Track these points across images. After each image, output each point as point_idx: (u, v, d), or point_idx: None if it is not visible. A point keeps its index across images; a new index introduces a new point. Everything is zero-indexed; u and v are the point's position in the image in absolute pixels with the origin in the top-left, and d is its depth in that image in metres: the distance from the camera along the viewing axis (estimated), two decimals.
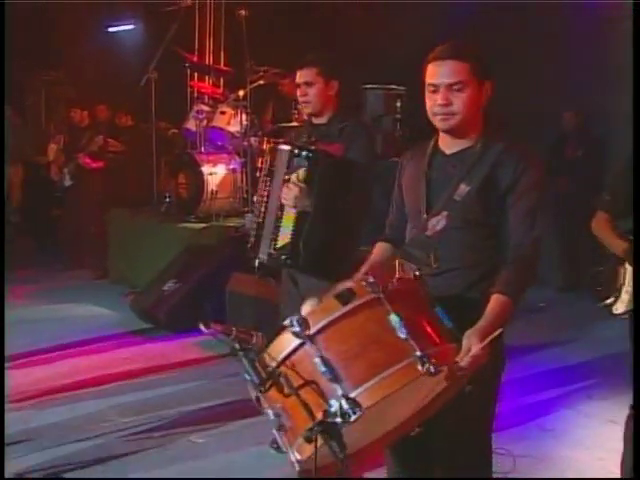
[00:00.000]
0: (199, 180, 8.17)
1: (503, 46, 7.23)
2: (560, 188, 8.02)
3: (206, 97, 9.15)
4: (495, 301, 2.71)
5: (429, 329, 2.51)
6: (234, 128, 8.49)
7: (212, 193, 8.15)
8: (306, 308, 2.55)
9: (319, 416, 2.31)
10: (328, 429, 2.29)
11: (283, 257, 3.98)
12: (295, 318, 2.37)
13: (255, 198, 4.35)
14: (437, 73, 2.80)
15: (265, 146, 8.04)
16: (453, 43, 2.85)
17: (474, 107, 2.84)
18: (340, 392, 2.31)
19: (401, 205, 3.15)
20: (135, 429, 4.87)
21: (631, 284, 3.65)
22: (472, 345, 2.52)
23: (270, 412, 2.42)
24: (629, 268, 3.67)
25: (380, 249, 3.18)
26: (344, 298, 2.43)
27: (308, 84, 4.11)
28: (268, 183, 4.13)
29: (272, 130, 8.35)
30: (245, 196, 8.19)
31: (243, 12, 8.48)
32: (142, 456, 4.53)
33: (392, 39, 9.22)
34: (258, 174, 7.80)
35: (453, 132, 2.90)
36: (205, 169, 8.16)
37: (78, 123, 9.60)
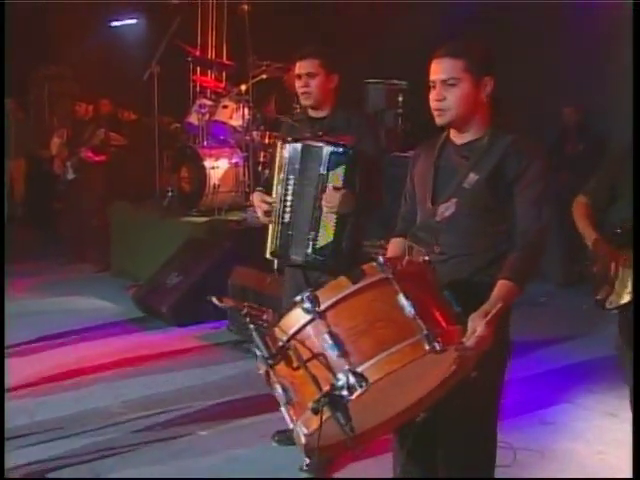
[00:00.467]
0: (201, 174, 8.18)
1: (503, 42, 7.23)
2: (561, 183, 8.03)
3: (208, 91, 9.16)
4: (501, 286, 2.80)
5: (436, 310, 2.58)
6: (236, 122, 8.50)
7: (214, 187, 8.17)
8: None
9: (326, 389, 2.37)
10: (335, 401, 2.35)
11: (323, 258, 3.93)
12: (306, 295, 2.45)
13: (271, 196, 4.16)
14: (435, 70, 2.94)
15: (267, 140, 8.08)
16: (452, 42, 2.98)
17: (470, 102, 2.93)
18: (347, 366, 2.37)
19: (413, 197, 3.20)
20: (138, 423, 4.88)
21: (624, 277, 3.64)
22: (476, 325, 2.60)
23: (278, 387, 2.48)
24: (620, 261, 3.65)
25: (395, 245, 3.23)
26: (355, 277, 2.51)
27: (310, 75, 4.09)
28: (291, 182, 4.04)
29: (274, 123, 8.35)
30: (247, 190, 8.19)
31: (245, 6, 8.49)
32: (145, 451, 4.54)
33: (394, 33, 9.22)
34: (261, 169, 7.90)
35: (453, 126, 3.00)
36: (207, 163, 8.18)
37: (81, 117, 9.61)
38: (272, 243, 4.14)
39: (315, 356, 2.41)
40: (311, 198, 3.97)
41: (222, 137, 8.73)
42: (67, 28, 12.17)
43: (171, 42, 8.72)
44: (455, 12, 8.41)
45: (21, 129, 11.49)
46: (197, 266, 7.25)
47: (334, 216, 3.92)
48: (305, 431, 2.44)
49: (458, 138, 3.04)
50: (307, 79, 4.10)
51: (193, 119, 8.79)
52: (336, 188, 3.87)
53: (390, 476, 3.40)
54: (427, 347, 2.39)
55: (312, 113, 4.22)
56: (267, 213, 4.14)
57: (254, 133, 8.28)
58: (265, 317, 2.56)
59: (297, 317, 2.48)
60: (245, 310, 2.54)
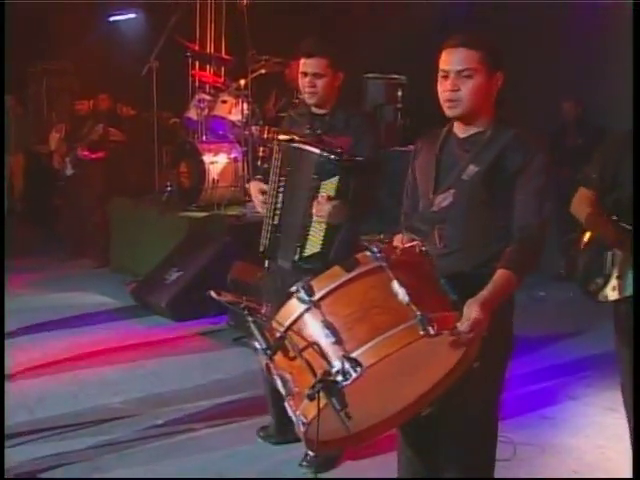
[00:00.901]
0: (200, 169, 8.18)
1: (503, 36, 7.20)
2: (561, 178, 8.02)
3: (207, 86, 9.14)
4: (499, 274, 2.78)
5: (431, 297, 2.59)
6: (235, 117, 8.49)
7: (213, 182, 8.16)
8: None
9: (321, 375, 2.38)
10: (329, 387, 2.36)
11: (310, 266, 3.78)
12: (301, 284, 2.48)
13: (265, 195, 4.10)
14: (448, 60, 2.88)
15: (266, 135, 8.06)
16: (467, 32, 2.92)
17: (482, 95, 2.90)
18: (342, 353, 2.39)
19: (415, 191, 3.17)
20: (138, 420, 4.88)
21: (624, 269, 3.59)
22: (472, 312, 2.59)
23: (278, 380, 2.49)
24: (618, 253, 3.59)
25: (399, 241, 3.16)
26: (349, 266, 2.53)
27: (317, 75, 3.97)
28: (283, 183, 3.95)
29: (274, 118, 8.35)
30: (246, 185, 8.19)
31: (244, 1, 8.48)
32: (145, 448, 4.53)
33: (394, 28, 9.21)
34: (260, 163, 7.89)
35: (462, 119, 2.96)
36: (206, 158, 8.17)
37: (80, 112, 9.59)
38: (262, 242, 4.08)
39: (311, 345, 2.43)
40: (302, 204, 3.86)
41: (221, 132, 8.72)
42: (66, 23, 12.13)
43: (170, 37, 8.71)
44: (455, 8, 8.39)
45: (20, 124, 11.49)
46: (196, 261, 7.25)
47: (324, 226, 3.81)
48: (304, 420, 2.46)
49: (461, 131, 3.01)
50: (314, 79, 3.98)
51: (192, 114, 8.78)
52: (328, 198, 3.76)
53: (391, 475, 3.41)
54: (421, 331, 2.40)
55: (314, 109, 4.13)
56: (264, 203, 4.09)
57: (253, 128, 8.27)
58: (264, 311, 2.57)
59: (293, 307, 2.50)
60: (244, 303, 2.55)
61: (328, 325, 2.43)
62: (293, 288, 2.49)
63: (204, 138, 8.58)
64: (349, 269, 2.51)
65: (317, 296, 2.47)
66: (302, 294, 2.47)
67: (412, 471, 3.23)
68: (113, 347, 6.20)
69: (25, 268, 8.34)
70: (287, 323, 2.49)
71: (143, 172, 9.31)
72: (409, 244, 2.82)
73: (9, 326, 5.98)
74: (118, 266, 8.71)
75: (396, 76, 9.18)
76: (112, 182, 9.35)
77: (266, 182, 4.13)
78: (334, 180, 3.77)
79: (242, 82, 8.50)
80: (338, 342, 2.41)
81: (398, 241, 3.16)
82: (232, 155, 8.35)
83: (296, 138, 3.98)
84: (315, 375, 2.40)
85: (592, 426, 4.75)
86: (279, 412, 4.13)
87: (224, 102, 8.60)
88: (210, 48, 10.17)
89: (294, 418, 2.51)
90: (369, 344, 2.39)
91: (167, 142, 9.30)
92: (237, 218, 7.84)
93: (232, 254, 7.00)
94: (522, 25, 8.36)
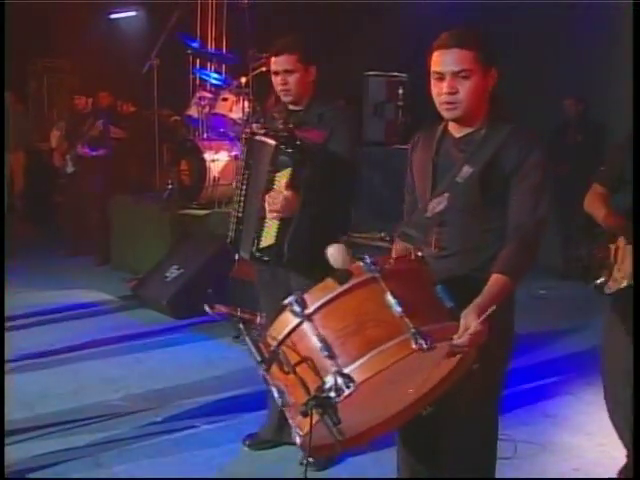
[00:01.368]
0: (201, 167, 8.18)
1: (504, 34, 7.21)
2: (561, 174, 8.02)
3: (208, 84, 9.14)
4: (493, 280, 2.73)
5: (426, 307, 2.53)
6: (236, 115, 8.49)
7: (214, 180, 8.16)
8: (331, 250, 2.58)
9: (314, 392, 2.36)
10: (322, 403, 2.34)
11: (266, 258, 3.87)
12: (294, 298, 2.44)
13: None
14: (443, 61, 2.80)
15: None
16: (458, 31, 2.84)
17: (480, 94, 2.84)
18: (335, 368, 2.35)
19: (414, 190, 3.12)
20: (139, 416, 4.88)
21: (624, 261, 3.60)
22: (469, 322, 2.53)
23: (275, 390, 2.48)
24: (621, 245, 3.61)
25: (400, 244, 3.14)
26: (342, 278, 2.48)
27: (288, 72, 3.93)
28: (247, 175, 3.96)
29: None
30: None
31: (245, 0, 8.48)
32: (146, 444, 4.53)
33: (394, 26, 9.21)
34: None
35: (460, 120, 2.91)
36: (207, 156, 8.17)
37: (80, 110, 9.59)
38: (229, 233, 4.12)
39: (304, 360, 2.40)
40: (259, 197, 3.85)
41: (222, 130, 8.72)
42: (66, 20, 12.15)
43: (170, 34, 8.71)
44: (456, 4, 8.38)
45: (20, 122, 11.48)
46: (197, 259, 7.25)
47: (277, 220, 3.80)
48: (300, 432, 2.45)
49: (457, 131, 2.95)
50: (285, 76, 3.94)
51: (193, 112, 8.78)
52: (280, 190, 3.75)
53: (391, 471, 3.41)
54: (414, 345, 2.35)
55: (290, 106, 4.10)
56: None
57: (254, 126, 8.23)
58: (258, 320, 2.55)
59: (286, 321, 2.47)
60: (238, 315, 2.54)
61: (321, 339, 2.39)
62: (286, 301, 2.45)
63: (205, 136, 8.57)
64: (342, 281, 2.46)
65: (310, 309, 2.43)
66: (295, 307, 2.43)
67: (412, 470, 3.23)
68: (113, 344, 6.20)
69: (25, 265, 8.34)
70: (280, 337, 2.46)
71: (144, 170, 9.32)
72: (404, 252, 2.82)
73: (9, 323, 5.99)
74: (119, 263, 8.72)
75: (397, 74, 9.17)
76: (113, 180, 9.35)
77: None
78: (286, 172, 3.75)
79: (243, 80, 8.49)
80: (331, 357, 2.37)
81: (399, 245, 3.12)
82: (233, 153, 8.34)
83: (259, 131, 3.99)
84: (308, 391, 2.38)
85: (593, 424, 4.74)
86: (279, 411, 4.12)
87: (225, 100, 8.60)
88: (211, 46, 10.16)
89: (292, 425, 2.50)
90: (362, 359, 2.35)
91: (168, 140, 9.30)
92: None
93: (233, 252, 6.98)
94: (523, 23, 8.36)
